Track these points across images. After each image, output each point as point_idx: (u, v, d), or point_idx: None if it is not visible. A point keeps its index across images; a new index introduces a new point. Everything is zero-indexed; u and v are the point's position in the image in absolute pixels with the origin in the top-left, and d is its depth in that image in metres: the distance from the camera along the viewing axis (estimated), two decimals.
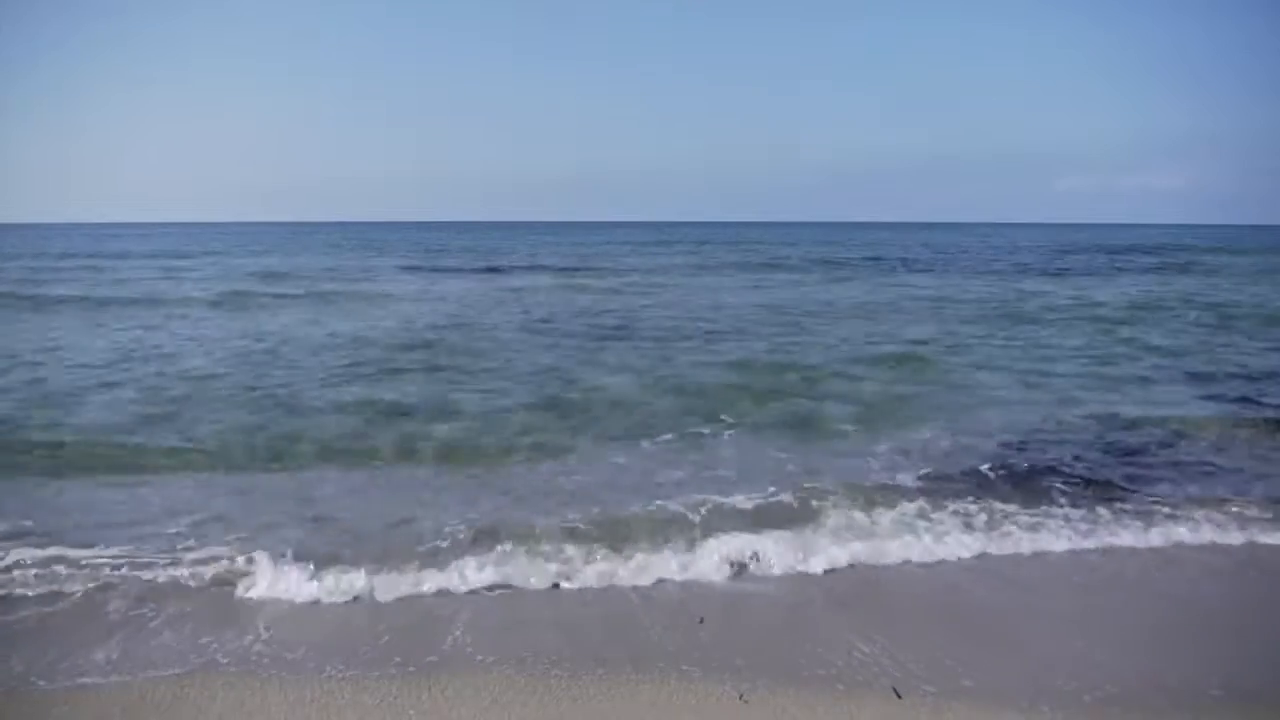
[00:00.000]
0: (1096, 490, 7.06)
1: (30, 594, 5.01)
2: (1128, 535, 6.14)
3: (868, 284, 28.50)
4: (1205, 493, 6.99)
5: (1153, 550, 5.93)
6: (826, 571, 5.46)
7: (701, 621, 3.92)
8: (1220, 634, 4.71)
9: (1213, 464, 7.86)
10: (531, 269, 36.86)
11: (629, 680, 4.07)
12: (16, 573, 5.22)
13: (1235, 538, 6.10)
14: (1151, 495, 6.94)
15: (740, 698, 3.91)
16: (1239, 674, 4.21)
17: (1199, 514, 6.44)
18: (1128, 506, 6.68)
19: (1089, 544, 5.98)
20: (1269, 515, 6.45)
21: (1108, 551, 5.91)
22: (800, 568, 5.51)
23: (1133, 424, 9.18)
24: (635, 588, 5.19)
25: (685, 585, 5.24)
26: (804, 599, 5.06)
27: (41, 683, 4.06)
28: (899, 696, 3.92)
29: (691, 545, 5.71)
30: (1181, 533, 6.16)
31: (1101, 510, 6.54)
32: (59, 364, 12.50)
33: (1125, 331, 16.62)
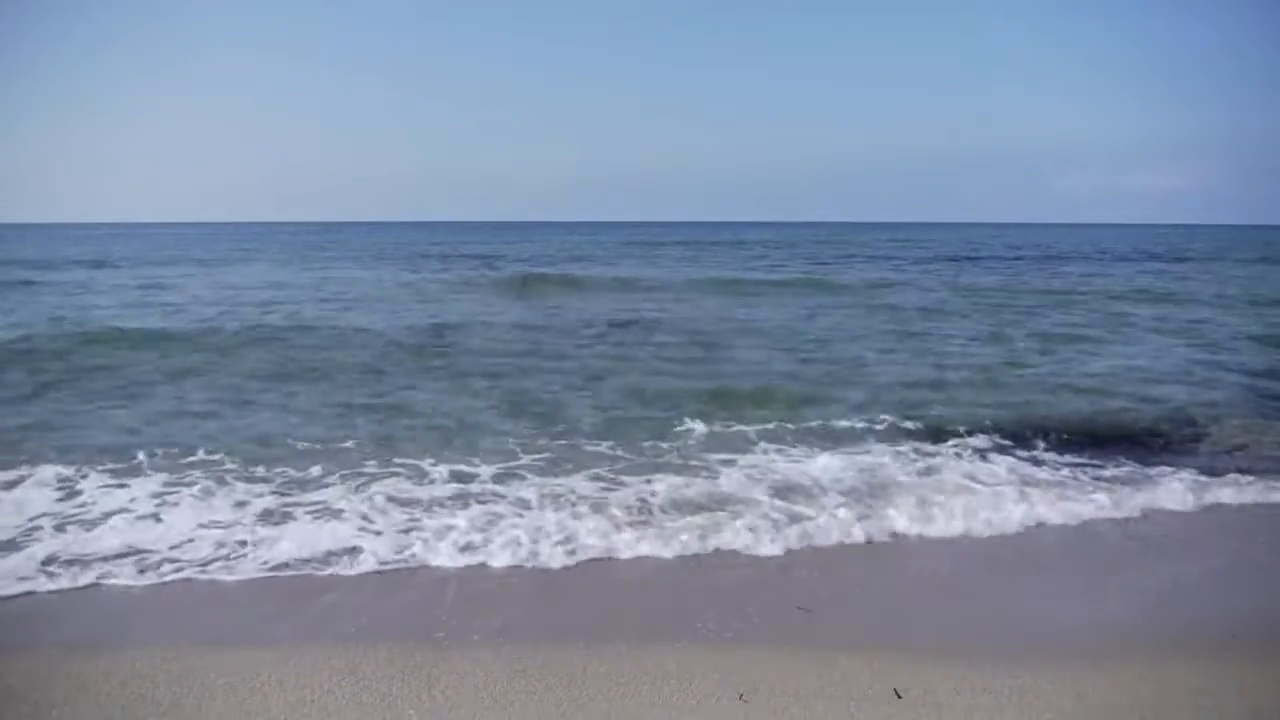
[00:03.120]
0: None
1: None
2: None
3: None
4: None
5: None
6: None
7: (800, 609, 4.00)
8: (1220, 586, 4.86)
9: None
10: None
11: (629, 680, 4.08)
12: None
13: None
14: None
15: (740, 698, 3.91)
16: (1237, 626, 4.34)
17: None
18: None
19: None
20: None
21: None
22: None
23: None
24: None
25: None
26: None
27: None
28: (899, 696, 3.92)
29: None
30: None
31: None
32: None
33: None
